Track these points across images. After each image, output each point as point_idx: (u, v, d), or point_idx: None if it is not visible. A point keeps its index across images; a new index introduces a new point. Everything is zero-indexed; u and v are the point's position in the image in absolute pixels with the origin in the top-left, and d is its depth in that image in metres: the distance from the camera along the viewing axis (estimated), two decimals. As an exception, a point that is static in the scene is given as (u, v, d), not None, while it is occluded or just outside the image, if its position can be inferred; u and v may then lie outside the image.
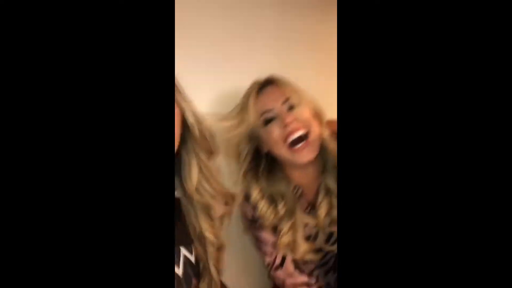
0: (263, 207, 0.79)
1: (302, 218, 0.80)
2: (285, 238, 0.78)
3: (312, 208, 0.83)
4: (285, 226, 0.78)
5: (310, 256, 0.79)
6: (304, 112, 0.77)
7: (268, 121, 0.77)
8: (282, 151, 0.77)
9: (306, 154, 0.76)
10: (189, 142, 0.63)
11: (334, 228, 0.79)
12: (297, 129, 0.75)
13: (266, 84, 0.81)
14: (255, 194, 0.80)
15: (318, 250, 0.80)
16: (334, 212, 0.78)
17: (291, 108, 0.77)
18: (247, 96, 0.80)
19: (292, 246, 0.78)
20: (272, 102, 0.77)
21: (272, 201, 0.80)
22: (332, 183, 0.79)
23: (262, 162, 0.82)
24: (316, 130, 0.77)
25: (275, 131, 0.76)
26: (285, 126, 0.75)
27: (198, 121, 0.63)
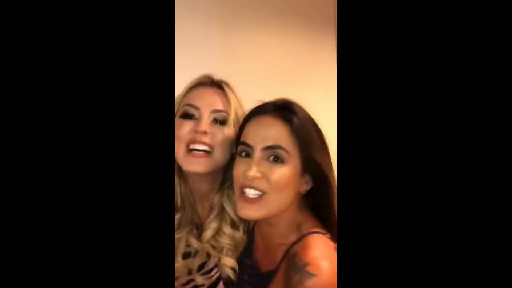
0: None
1: (187, 235, 0.75)
2: None
3: (198, 227, 0.77)
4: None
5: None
6: (224, 133, 0.70)
7: (185, 116, 0.71)
8: (178, 150, 0.70)
9: (197, 165, 0.69)
10: None
11: (215, 256, 0.73)
12: (204, 143, 0.69)
13: (214, 84, 0.75)
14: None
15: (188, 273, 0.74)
16: (223, 239, 0.73)
17: (216, 121, 0.71)
18: (189, 84, 0.75)
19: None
20: (204, 102, 0.71)
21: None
22: (227, 205, 0.74)
23: None
24: (220, 152, 0.70)
25: (186, 128, 0.70)
26: (196, 132, 0.69)
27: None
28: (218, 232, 0.73)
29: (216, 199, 0.75)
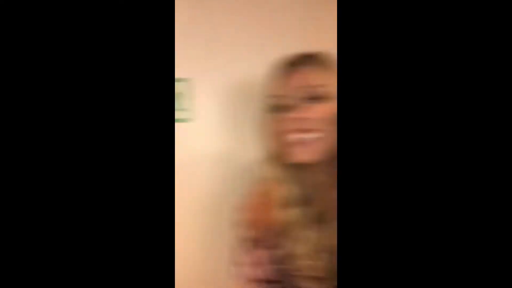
0: None
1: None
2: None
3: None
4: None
5: None
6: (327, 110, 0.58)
7: (275, 109, 0.62)
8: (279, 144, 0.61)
9: (306, 154, 0.60)
10: None
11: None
12: (307, 131, 0.59)
13: (299, 63, 0.62)
14: None
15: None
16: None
17: (314, 100, 0.59)
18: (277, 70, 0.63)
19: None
20: (289, 86, 0.60)
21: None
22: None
23: None
24: (328, 135, 0.59)
25: (281, 125, 0.61)
26: (295, 121, 0.59)
27: None
28: None
29: None
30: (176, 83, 0.85)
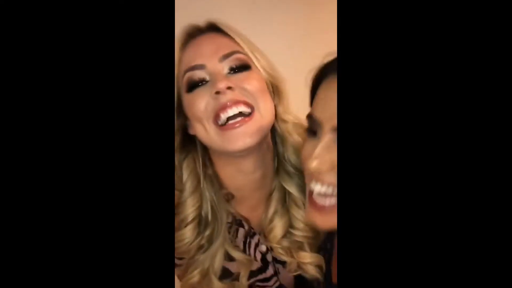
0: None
1: (228, 247, 0.55)
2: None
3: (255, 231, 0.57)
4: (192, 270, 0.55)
5: None
6: (252, 79, 0.49)
7: (193, 85, 0.50)
8: (208, 131, 0.49)
9: (241, 137, 0.48)
10: None
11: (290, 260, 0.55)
12: (235, 103, 0.48)
13: (203, 31, 0.53)
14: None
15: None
16: (299, 231, 0.53)
17: (233, 69, 0.50)
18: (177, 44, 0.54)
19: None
20: (204, 55, 0.50)
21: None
22: (294, 190, 0.53)
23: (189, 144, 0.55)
24: (265, 109, 0.49)
25: (202, 100, 0.49)
26: (218, 93, 0.48)
27: None
28: (290, 225, 0.53)
29: (274, 183, 0.55)
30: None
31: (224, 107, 0.48)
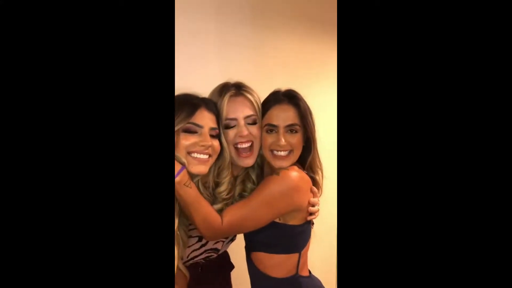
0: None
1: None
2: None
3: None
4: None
5: None
6: (256, 129, 0.94)
7: (228, 127, 0.93)
8: (232, 151, 0.95)
9: (249, 161, 0.94)
10: None
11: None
12: (246, 142, 0.93)
13: (237, 93, 0.94)
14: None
15: None
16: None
17: (249, 123, 0.94)
18: (222, 98, 0.94)
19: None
20: (237, 112, 0.93)
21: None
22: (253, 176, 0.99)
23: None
24: (257, 142, 0.95)
25: (230, 136, 0.94)
26: (241, 137, 0.92)
27: None
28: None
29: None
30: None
31: (242, 142, 0.93)
